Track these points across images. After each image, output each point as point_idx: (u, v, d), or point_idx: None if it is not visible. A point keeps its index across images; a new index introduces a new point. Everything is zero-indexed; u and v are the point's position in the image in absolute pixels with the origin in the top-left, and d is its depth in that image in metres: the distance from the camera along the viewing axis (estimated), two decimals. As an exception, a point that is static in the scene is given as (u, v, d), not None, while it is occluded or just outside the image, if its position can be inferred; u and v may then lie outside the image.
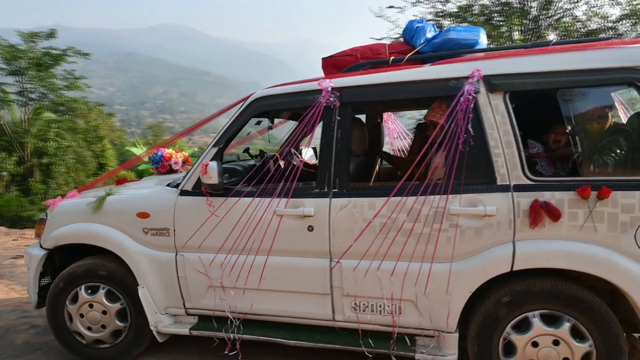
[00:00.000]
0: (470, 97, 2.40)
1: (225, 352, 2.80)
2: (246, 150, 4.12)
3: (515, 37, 9.94)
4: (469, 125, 2.39)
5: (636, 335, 2.32)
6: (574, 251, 2.27)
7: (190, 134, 3.30)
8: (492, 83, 2.41)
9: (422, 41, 2.83)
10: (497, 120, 2.40)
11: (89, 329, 3.07)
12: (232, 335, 2.82)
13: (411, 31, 2.90)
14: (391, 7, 10.80)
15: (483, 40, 2.81)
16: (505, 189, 2.36)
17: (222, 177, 2.74)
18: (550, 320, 2.34)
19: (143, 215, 2.98)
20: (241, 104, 2.91)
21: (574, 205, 2.26)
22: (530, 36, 9.86)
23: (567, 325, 2.29)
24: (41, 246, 3.22)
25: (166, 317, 3.02)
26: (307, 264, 2.71)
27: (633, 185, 2.21)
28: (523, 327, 2.38)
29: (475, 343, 2.46)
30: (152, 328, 2.97)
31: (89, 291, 3.05)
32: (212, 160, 2.80)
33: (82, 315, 3.06)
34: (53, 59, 16.30)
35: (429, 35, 2.85)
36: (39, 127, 16.28)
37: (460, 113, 2.39)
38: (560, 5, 9.70)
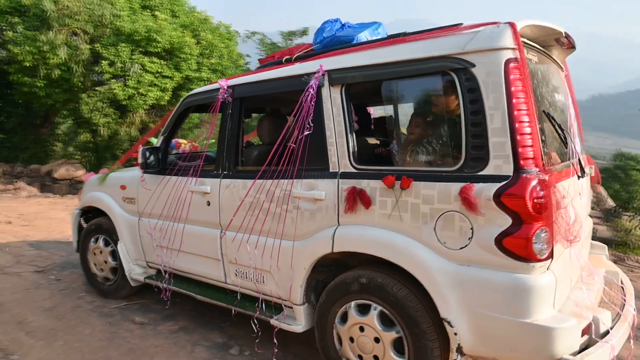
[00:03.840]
0: (313, 90, 2.58)
1: (162, 296, 3.51)
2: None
3: None
4: (312, 117, 2.57)
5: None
6: (379, 238, 2.32)
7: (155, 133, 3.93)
8: (332, 77, 2.56)
9: (317, 40, 3.05)
10: (334, 112, 2.55)
11: (100, 268, 4.07)
12: (164, 285, 3.46)
13: (318, 30, 3.14)
14: None
15: (365, 36, 2.86)
16: (334, 175, 2.52)
17: (146, 159, 3.42)
18: (364, 309, 2.42)
19: (123, 187, 3.83)
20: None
21: (385, 194, 2.30)
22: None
23: (374, 313, 2.35)
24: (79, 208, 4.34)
25: (136, 267, 3.81)
26: (207, 232, 3.18)
27: (434, 176, 2.19)
28: (345, 317, 2.50)
29: (317, 318, 2.64)
30: (126, 274, 3.77)
31: (96, 241, 4.08)
32: (157, 146, 3.56)
33: (94, 256, 4.12)
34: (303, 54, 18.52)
35: (327, 34, 3.01)
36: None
37: (306, 105, 2.58)
38: None
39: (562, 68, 2.94)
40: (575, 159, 2.55)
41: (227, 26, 14.90)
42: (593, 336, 2.07)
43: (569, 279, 2.30)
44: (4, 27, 12.54)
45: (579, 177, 2.55)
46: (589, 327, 2.06)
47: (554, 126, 2.37)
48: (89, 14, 11.64)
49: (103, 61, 11.52)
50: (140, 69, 11.66)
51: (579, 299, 2.24)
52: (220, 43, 13.34)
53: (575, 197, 2.44)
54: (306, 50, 3.01)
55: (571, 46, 2.71)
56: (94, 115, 13.75)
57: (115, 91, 11.58)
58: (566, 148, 2.49)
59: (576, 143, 2.62)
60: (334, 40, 2.94)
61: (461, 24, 2.29)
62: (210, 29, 13.52)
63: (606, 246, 3.19)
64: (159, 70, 11.96)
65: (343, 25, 3.05)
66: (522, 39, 2.09)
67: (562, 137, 2.43)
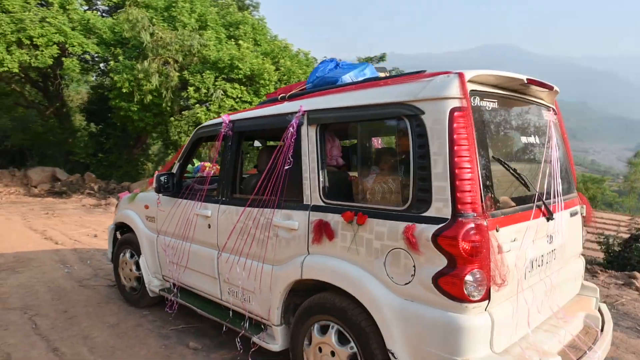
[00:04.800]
0: (293, 128, 2.79)
1: (166, 309, 3.90)
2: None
3: None
4: (292, 153, 2.78)
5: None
6: (337, 269, 2.46)
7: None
8: (310, 117, 2.75)
9: (310, 80, 3.26)
10: (309, 149, 2.73)
11: (128, 278, 4.44)
12: (172, 297, 3.80)
13: (313, 70, 3.36)
14: None
15: (350, 77, 3.03)
16: (306, 207, 2.69)
17: (160, 183, 3.76)
18: (325, 329, 2.58)
19: (146, 207, 4.19)
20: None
21: (346, 228, 2.44)
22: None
23: (332, 332, 2.50)
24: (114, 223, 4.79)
25: (155, 279, 4.12)
26: (207, 252, 3.43)
27: (385, 214, 2.29)
28: (311, 338, 2.65)
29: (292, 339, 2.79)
30: (146, 285, 4.11)
31: (128, 255, 4.43)
32: (173, 171, 3.90)
33: (123, 267, 4.51)
34: None
35: (319, 74, 3.22)
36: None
37: (287, 141, 2.80)
38: None
39: (549, 109, 2.95)
40: (545, 201, 2.51)
41: (306, 53, 15.31)
42: None
43: (525, 321, 2.29)
44: (108, 58, 13.95)
45: (548, 219, 2.52)
46: None
47: (511, 170, 2.38)
48: (180, 44, 12.56)
49: (190, 87, 12.30)
50: (222, 94, 12.27)
51: (538, 341, 2.27)
52: (298, 69, 13.69)
53: (541, 239, 2.47)
54: (299, 89, 3.24)
55: (550, 88, 2.73)
56: (180, 138, 14.67)
57: (198, 115, 12.28)
58: (529, 191, 2.47)
59: (556, 184, 2.65)
60: (322, 80, 3.14)
61: (424, 71, 2.41)
62: (289, 56, 13.96)
63: (597, 288, 3.13)
64: (239, 95, 12.49)
65: (337, 65, 3.27)
66: (483, 87, 2.28)
67: (523, 181, 2.42)
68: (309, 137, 2.75)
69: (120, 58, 12.97)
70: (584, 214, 3.12)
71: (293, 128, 2.79)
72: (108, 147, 16.09)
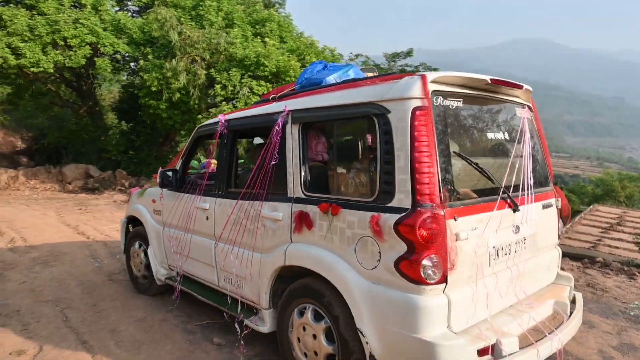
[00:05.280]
0: (279, 127, 3.00)
1: (173, 297, 4.15)
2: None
3: None
4: (277, 149, 2.99)
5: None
6: (314, 255, 2.68)
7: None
8: (293, 116, 2.96)
9: (298, 81, 3.43)
10: (293, 146, 2.94)
11: (138, 269, 4.71)
12: (176, 285, 4.06)
13: (303, 71, 3.49)
14: None
15: (334, 78, 3.19)
16: (289, 200, 2.91)
17: (162, 179, 4.03)
18: (304, 312, 2.80)
19: (153, 201, 4.45)
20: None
21: (322, 218, 2.65)
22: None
23: (309, 311, 2.74)
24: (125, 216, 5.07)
25: (162, 269, 4.37)
26: (206, 242, 3.67)
27: (356, 205, 2.50)
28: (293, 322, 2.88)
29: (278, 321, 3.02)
30: (154, 274, 4.37)
31: (137, 246, 4.71)
32: (176, 167, 4.17)
33: (134, 258, 4.77)
34: None
35: (307, 75, 3.37)
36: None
37: (274, 139, 3.01)
38: None
39: (524, 106, 3.07)
40: (512, 194, 2.66)
41: (331, 50, 15.22)
42: (494, 357, 2.28)
43: (485, 304, 2.45)
44: (138, 57, 14.25)
45: (514, 210, 2.66)
46: (489, 348, 2.28)
47: (474, 165, 2.55)
48: (207, 43, 12.68)
49: (217, 85, 12.41)
50: (249, 92, 12.33)
51: (499, 324, 2.46)
52: (323, 66, 13.59)
53: (506, 229, 2.63)
54: (289, 90, 3.42)
55: (518, 87, 2.88)
56: (207, 135, 14.81)
57: (225, 112, 12.38)
58: (494, 184, 2.61)
59: (527, 178, 2.79)
60: (309, 82, 3.29)
61: (395, 72, 2.70)
62: (315, 53, 13.89)
63: (572, 278, 3.27)
64: (265, 92, 12.53)
65: (325, 66, 3.42)
66: (448, 87, 2.47)
67: (487, 175, 2.59)
68: (292, 135, 2.95)
69: (150, 57, 13.20)
70: (559, 207, 3.26)
71: (279, 126, 3.00)
72: (138, 145, 16.43)
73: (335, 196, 2.69)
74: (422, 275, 2.19)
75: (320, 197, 2.72)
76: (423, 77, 2.33)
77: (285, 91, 3.41)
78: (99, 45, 13.38)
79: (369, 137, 2.54)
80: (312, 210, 2.71)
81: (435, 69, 18.58)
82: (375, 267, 2.36)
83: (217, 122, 3.70)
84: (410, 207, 2.24)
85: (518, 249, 2.75)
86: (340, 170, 2.90)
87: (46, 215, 9.48)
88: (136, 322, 3.91)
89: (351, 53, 18.86)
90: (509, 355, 2.27)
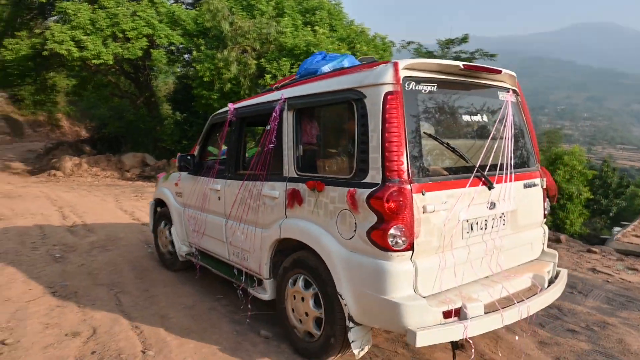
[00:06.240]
0: (276, 113, 3.28)
1: (197, 269, 4.48)
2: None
3: None
4: (275, 134, 3.27)
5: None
6: (302, 228, 2.97)
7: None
8: (289, 104, 3.22)
9: (299, 71, 3.67)
10: (288, 130, 3.20)
11: (164, 245, 5.14)
12: (195, 260, 4.41)
13: (304, 62, 3.70)
14: None
15: (329, 68, 3.38)
16: (285, 179, 3.18)
17: (181, 162, 4.42)
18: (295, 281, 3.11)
19: (176, 184, 4.85)
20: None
21: (310, 194, 2.92)
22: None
23: (300, 280, 3.04)
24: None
25: (183, 246, 4.72)
26: (218, 220, 4.01)
27: (337, 182, 2.75)
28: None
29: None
30: (177, 251, 4.74)
31: (163, 225, 5.14)
32: (193, 153, 4.53)
33: (161, 236, 5.22)
34: None
35: (307, 66, 3.56)
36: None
37: (272, 124, 3.28)
38: None
39: (508, 90, 3.23)
40: (488, 172, 2.82)
41: (382, 37, 14.83)
42: (459, 319, 2.47)
43: (459, 273, 2.69)
44: (191, 49, 14.55)
45: (489, 187, 2.83)
46: (454, 311, 2.48)
47: (445, 145, 2.71)
48: (257, 33, 12.71)
49: (267, 75, 12.42)
50: (298, 81, 12.25)
51: (469, 292, 2.65)
52: (375, 54, 13.28)
53: (480, 204, 2.79)
54: (290, 80, 3.63)
55: (495, 72, 3.03)
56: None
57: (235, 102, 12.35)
58: (468, 163, 2.78)
59: (507, 158, 2.98)
60: (306, 71, 3.51)
61: (376, 59, 3.04)
62: (365, 41, 13.59)
63: (557, 254, 3.40)
64: (315, 82, 12.39)
65: (324, 57, 3.58)
66: (422, 73, 2.67)
67: (459, 154, 2.75)
68: (288, 121, 3.21)
69: (202, 48, 13.43)
70: (544, 187, 3.36)
71: (276, 113, 3.27)
72: (191, 135, 16.88)
73: (321, 175, 2.95)
74: (390, 243, 2.43)
75: (309, 176, 2.98)
76: (395, 65, 2.56)
77: (286, 81, 3.66)
78: (154, 37, 13.78)
79: (349, 120, 2.76)
80: (302, 187, 2.98)
81: (492, 56, 17.62)
82: (352, 237, 2.62)
83: (227, 111, 4.03)
84: (380, 183, 2.49)
85: (496, 225, 2.92)
86: (326, 151, 3.21)
87: (105, 201, 9.91)
88: (185, 309, 3.92)
89: (403, 40, 18.25)
90: (472, 318, 2.47)
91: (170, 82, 22.03)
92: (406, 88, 2.58)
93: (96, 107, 20.42)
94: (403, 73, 2.56)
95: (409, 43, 18.43)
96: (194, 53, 13.64)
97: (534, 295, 2.88)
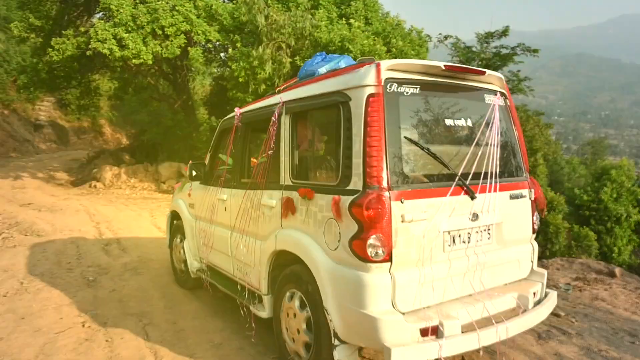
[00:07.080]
0: (275, 118, 3.14)
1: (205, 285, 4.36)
2: None
3: None
4: (274, 140, 3.12)
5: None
6: (294, 239, 2.88)
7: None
8: (286, 107, 3.12)
9: (300, 73, 3.48)
10: (285, 135, 3.10)
11: (178, 262, 5.04)
12: (204, 277, 4.23)
13: (304, 64, 3.55)
14: None
15: (326, 69, 3.20)
16: (281, 187, 3.07)
17: (191, 172, 4.25)
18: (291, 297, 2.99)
19: (188, 194, 4.67)
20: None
21: (302, 203, 2.84)
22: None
23: (296, 298, 2.92)
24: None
25: (195, 262, 4.54)
26: (224, 233, 3.82)
27: (324, 189, 2.69)
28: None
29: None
30: (189, 267, 4.57)
31: (178, 240, 4.95)
32: (204, 162, 4.40)
33: (175, 251, 5.10)
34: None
35: (307, 68, 3.40)
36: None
37: (271, 130, 3.13)
38: None
39: (496, 92, 3.02)
40: (470, 181, 2.66)
41: (419, 31, 14.16)
42: (436, 337, 2.38)
43: (439, 289, 2.55)
44: (227, 46, 14.16)
45: (472, 197, 2.65)
46: (432, 329, 2.38)
47: (426, 150, 2.57)
48: (292, 27, 12.30)
49: (301, 75, 12.07)
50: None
51: (448, 309, 2.53)
52: (410, 50, 12.67)
53: (461, 215, 2.63)
54: (292, 83, 3.48)
55: (478, 73, 2.86)
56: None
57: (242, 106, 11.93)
58: (449, 170, 2.62)
59: (493, 166, 2.77)
60: (305, 74, 3.37)
61: (371, 58, 2.73)
62: (401, 35, 12.99)
63: (545, 274, 3.17)
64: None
65: (324, 58, 3.41)
66: (405, 75, 2.56)
67: (440, 161, 2.60)
68: (285, 125, 3.09)
69: (238, 45, 12.99)
70: (532, 198, 3.14)
71: (275, 117, 3.14)
72: (227, 141, 16.74)
73: (312, 182, 2.86)
74: (369, 253, 2.34)
75: (302, 184, 2.87)
76: (377, 65, 2.47)
77: (289, 83, 3.52)
78: (192, 34, 13.38)
79: (337, 124, 2.65)
80: (295, 196, 2.86)
81: (534, 51, 16.51)
82: (337, 247, 2.52)
83: (234, 116, 3.84)
84: (361, 189, 2.40)
85: (480, 239, 2.76)
86: (317, 156, 3.13)
87: (140, 216, 9.91)
88: (213, 348, 3.67)
89: (440, 34, 17.42)
90: (448, 337, 2.36)
91: (207, 84, 21.86)
92: (388, 90, 2.47)
93: (136, 113, 20.41)
94: (385, 74, 2.46)
95: (446, 37, 17.59)
96: (230, 50, 13.34)
97: (515, 316, 2.73)
